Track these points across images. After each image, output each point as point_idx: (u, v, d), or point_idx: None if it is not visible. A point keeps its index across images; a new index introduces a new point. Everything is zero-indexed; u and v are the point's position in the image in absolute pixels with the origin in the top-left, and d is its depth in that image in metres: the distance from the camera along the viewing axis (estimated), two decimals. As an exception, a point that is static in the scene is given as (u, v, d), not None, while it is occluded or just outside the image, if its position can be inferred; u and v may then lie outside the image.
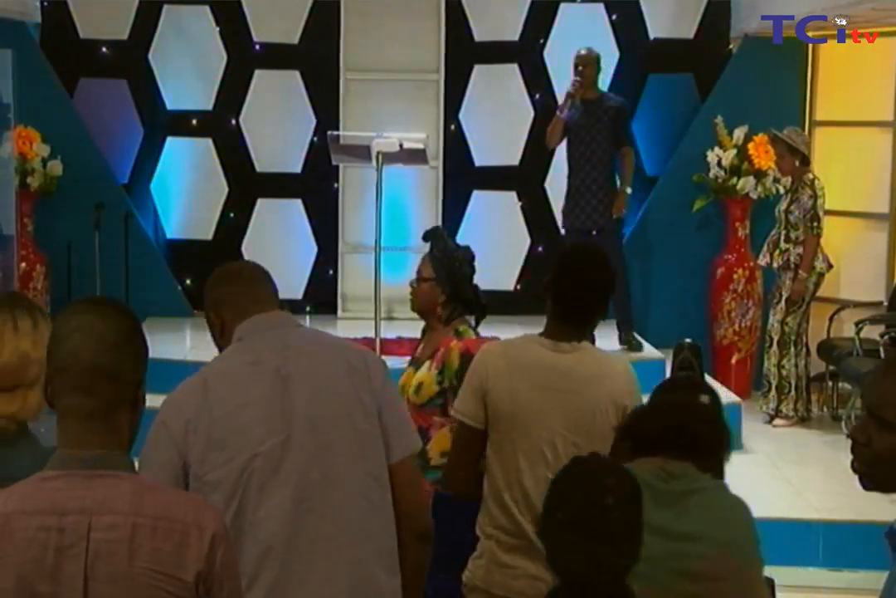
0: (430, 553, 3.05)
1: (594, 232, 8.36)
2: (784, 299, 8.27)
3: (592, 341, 3.76)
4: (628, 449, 3.12)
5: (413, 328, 8.96)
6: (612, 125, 8.34)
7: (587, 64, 8.41)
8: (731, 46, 9.60)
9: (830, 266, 8.32)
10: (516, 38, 9.50)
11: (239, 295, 3.12)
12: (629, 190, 8.39)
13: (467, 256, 4.72)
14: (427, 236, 4.85)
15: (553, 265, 3.75)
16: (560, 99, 9.27)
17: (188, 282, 9.67)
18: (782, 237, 8.29)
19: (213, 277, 3.22)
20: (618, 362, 3.75)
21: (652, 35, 9.63)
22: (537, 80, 9.48)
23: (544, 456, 3.55)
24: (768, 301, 8.63)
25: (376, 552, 2.94)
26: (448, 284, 4.64)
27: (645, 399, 3.50)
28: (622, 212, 8.37)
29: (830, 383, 8.69)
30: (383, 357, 7.56)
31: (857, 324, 8.27)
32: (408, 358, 7.87)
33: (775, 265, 8.32)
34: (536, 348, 3.66)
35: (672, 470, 3.03)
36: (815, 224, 8.17)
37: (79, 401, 2.31)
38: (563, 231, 8.65)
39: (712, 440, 3.11)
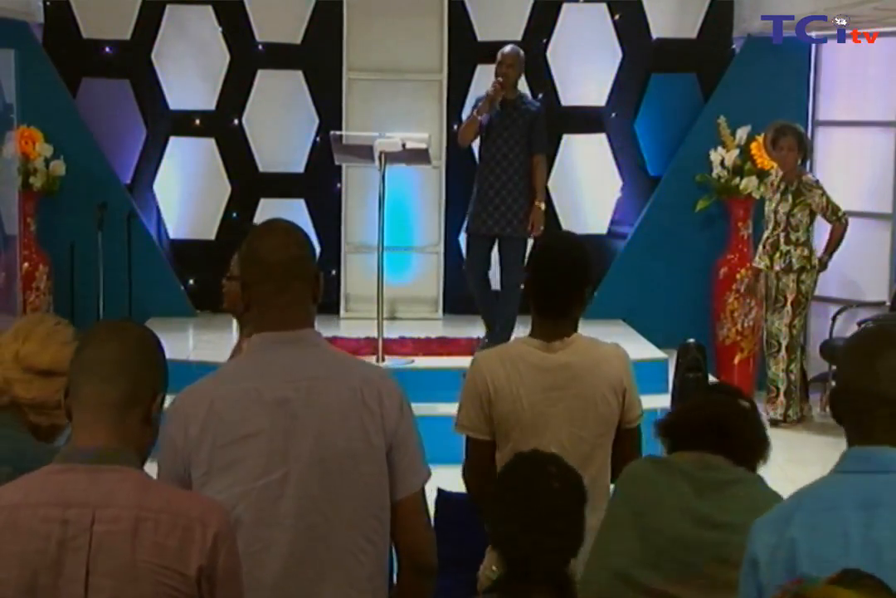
0: (432, 589, 2.98)
1: (497, 240, 8.00)
2: (790, 301, 8.25)
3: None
4: (667, 446, 3.16)
5: (416, 329, 9.06)
6: (528, 131, 7.97)
7: (512, 64, 8.00)
8: (733, 46, 9.60)
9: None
10: (519, 37, 9.48)
11: (271, 294, 2.88)
12: (542, 205, 8.00)
13: None
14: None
15: (527, 265, 3.78)
16: (562, 98, 9.29)
17: (191, 282, 9.68)
18: (782, 240, 8.27)
19: (252, 246, 2.92)
20: (608, 347, 3.76)
21: (654, 35, 9.62)
22: (540, 79, 9.47)
23: None
24: (769, 303, 8.56)
25: (372, 593, 2.90)
26: None
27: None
28: (539, 230, 7.88)
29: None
30: (386, 357, 7.67)
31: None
32: (410, 358, 7.96)
33: (777, 268, 8.29)
34: (529, 350, 3.66)
35: (710, 462, 3.08)
36: (840, 213, 8.20)
37: (99, 389, 2.38)
38: (464, 236, 8.13)
39: (751, 439, 3.15)
